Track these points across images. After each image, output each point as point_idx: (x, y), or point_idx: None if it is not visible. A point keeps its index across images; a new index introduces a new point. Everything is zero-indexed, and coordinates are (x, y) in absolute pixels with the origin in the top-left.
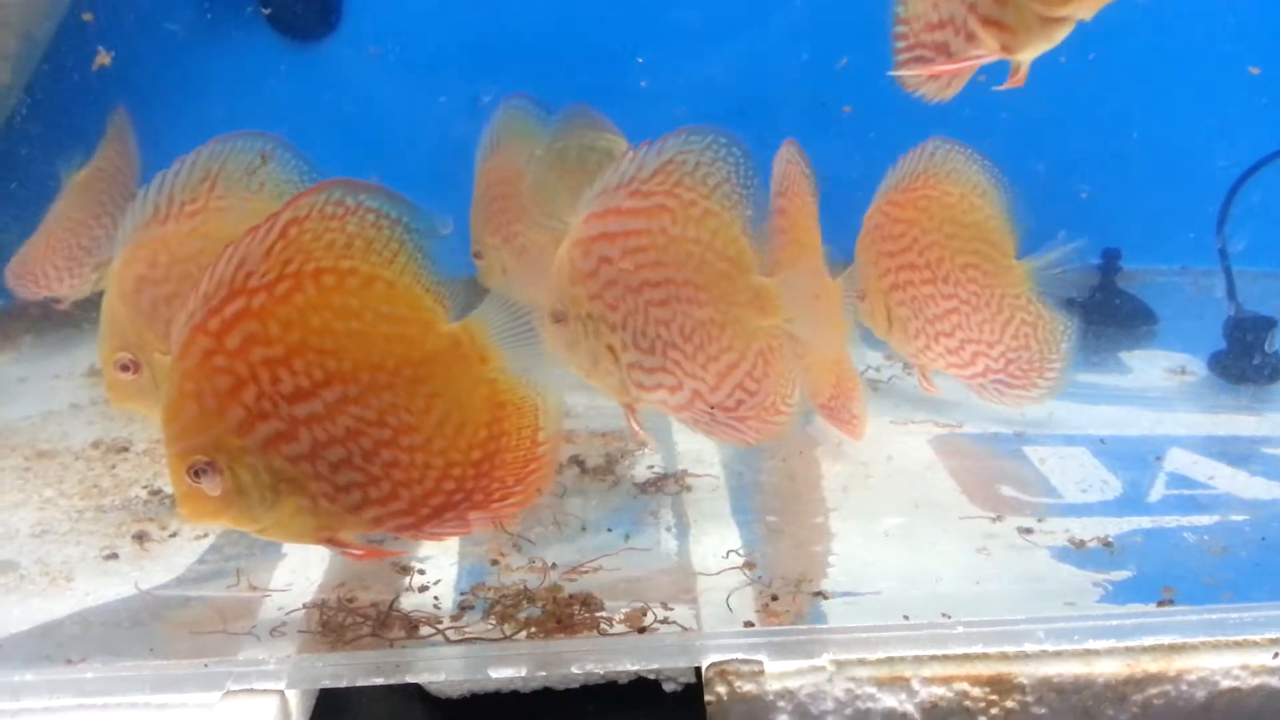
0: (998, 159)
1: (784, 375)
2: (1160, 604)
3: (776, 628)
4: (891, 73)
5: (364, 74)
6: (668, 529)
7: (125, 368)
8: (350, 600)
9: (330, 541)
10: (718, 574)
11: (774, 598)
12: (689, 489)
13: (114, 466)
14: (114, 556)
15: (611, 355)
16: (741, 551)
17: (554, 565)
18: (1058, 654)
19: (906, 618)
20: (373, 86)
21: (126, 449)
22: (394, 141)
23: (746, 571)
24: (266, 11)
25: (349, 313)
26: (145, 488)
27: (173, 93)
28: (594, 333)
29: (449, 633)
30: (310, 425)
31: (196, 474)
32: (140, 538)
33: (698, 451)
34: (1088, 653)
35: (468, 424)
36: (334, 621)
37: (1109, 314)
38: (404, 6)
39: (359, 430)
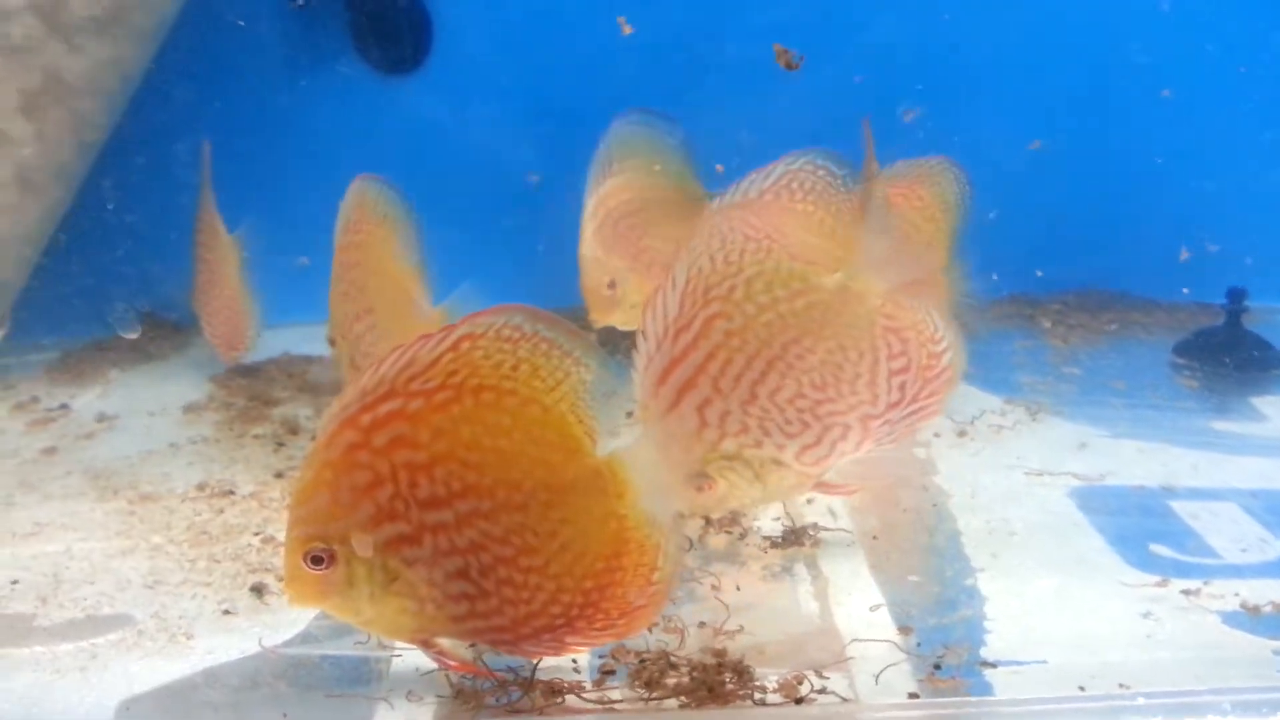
0: (1119, 197)
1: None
2: None
3: (946, 699)
4: None
5: (453, 106)
6: (805, 588)
7: None
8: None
9: (425, 645)
10: (870, 641)
11: (936, 666)
12: (820, 544)
13: (221, 511)
14: (232, 611)
15: (774, 465)
16: (891, 615)
17: (702, 624)
18: None
19: (1082, 689)
20: (461, 118)
21: (232, 492)
22: (480, 173)
23: (901, 637)
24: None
25: (500, 431)
26: (256, 534)
27: (264, 121)
28: (750, 456)
29: (594, 700)
30: (436, 533)
31: (314, 560)
32: (258, 590)
33: (824, 502)
34: None
35: (588, 554)
36: (469, 687)
37: (1236, 356)
38: (493, 38)
39: (481, 545)
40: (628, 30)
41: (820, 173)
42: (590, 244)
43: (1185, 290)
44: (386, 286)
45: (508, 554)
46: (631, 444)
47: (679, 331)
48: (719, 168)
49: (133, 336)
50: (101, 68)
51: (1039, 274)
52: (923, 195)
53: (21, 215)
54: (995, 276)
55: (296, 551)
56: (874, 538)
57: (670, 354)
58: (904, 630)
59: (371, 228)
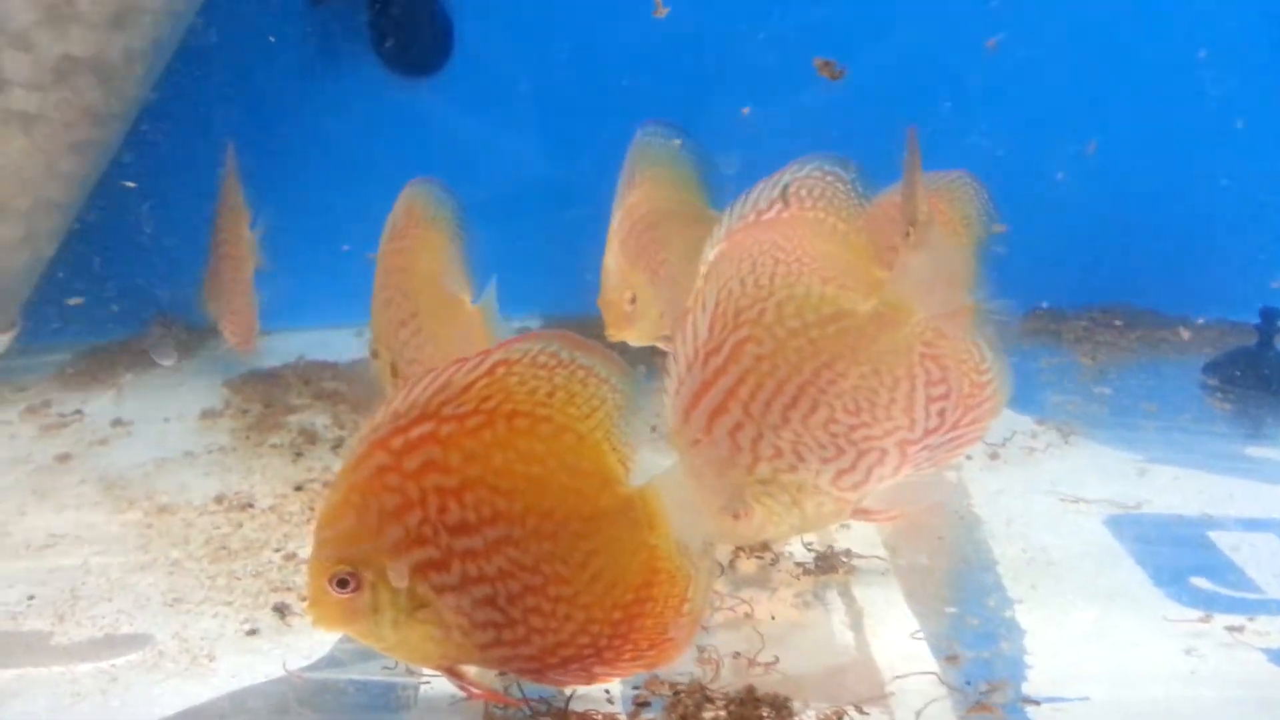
0: (1146, 211)
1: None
2: None
3: None
4: None
5: (473, 108)
6: (840, 617)
7: None
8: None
9: (450, 672)
10: (909, 676)
11: (978, 703)
12: (854, 571)
13: (240, 525)
14: (255, 632)
15: (811, 490)
16: (930, 647)
17: (736, 654)
18: None
19: None
20: (480, 120)
21: (251, 505)
22: (502, 177)
23: (942, 670)
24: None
25: (532, 458)
26: (277, 550)
27: (285, 126)
28: (785, 481)
29: None
30: (465, 559)
31: (339, 584)
32: (281, 610)
33: (855, 530)
34: None
35: (618, 585)
36: (502, 717)
37: (1270, 379)
38: (516, 42)
39: (510, 573)
40: (663, 12)
41: (828, 178)
42: (615, 257)
43: (1195, 322)
44: (432, 290)
45: (536, 582)
46: (664, 474)
47: (709, 355)
48: (745, 110)
49: (168, 364)
50: (125, 71)
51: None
52: (942, 210)
53: (33, 219)
54: (1045, 304)
55: (322, 574)
56: (909, 566)
57: (701, 378)
58: (947, 662)
59: (418, 232)
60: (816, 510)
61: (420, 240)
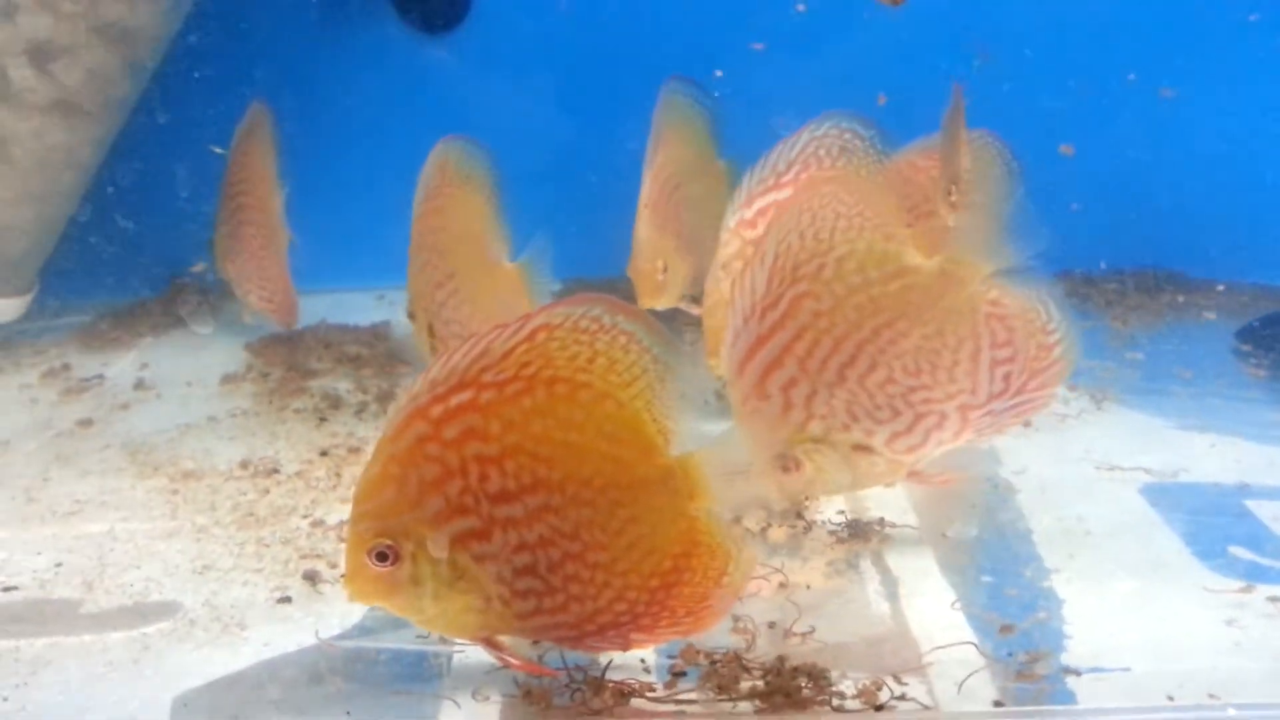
0: (1179, 172)
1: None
2: None
3: (1034, 709)
4: None
5: (491, 65)
6: (874, 586)
7: None
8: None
9: (488, 643)
10: (950, 645)
11: (1018, 673)
12: (887, 540)
13: (267, 491)
14: (286, 600)
15: (864, 451)
16: (967, 617)
17: (771, 624)
18: None
19: (1171, 699)
20: (501, 80)
21: (276, 470)
22: (518, 136)
23: (980, 641)
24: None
25: (572, 425)
26: (305, 517)
27: (306, 85)
28: (838, 440)
29: (666, 704)
30: (506, 528)
31: (378, 557)
32: (311, 578)
33: (888, 497)
34: None
35: (656, 553)
36: (536, 688)
37: None
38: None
39: (550, 540)
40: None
41: (846, 135)
42: (646, 224)
43: (1217, 288)
44: (468, 249)
45: (576, 549)
46: (707, 445)
47: (765, 309)
48: (717, 73)
49: (206, 331)
50: (140, 27)
51: None
52: None
53: (45, 204)
54: (1103, 264)
55: (360, 548)
56: (943, 535)
57: (757, 332)
58: (1001, 633)
59: (452, 190)
60: (868, 470)
61: (455, 199)
